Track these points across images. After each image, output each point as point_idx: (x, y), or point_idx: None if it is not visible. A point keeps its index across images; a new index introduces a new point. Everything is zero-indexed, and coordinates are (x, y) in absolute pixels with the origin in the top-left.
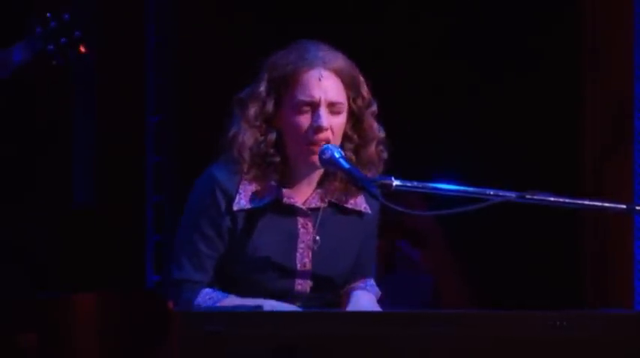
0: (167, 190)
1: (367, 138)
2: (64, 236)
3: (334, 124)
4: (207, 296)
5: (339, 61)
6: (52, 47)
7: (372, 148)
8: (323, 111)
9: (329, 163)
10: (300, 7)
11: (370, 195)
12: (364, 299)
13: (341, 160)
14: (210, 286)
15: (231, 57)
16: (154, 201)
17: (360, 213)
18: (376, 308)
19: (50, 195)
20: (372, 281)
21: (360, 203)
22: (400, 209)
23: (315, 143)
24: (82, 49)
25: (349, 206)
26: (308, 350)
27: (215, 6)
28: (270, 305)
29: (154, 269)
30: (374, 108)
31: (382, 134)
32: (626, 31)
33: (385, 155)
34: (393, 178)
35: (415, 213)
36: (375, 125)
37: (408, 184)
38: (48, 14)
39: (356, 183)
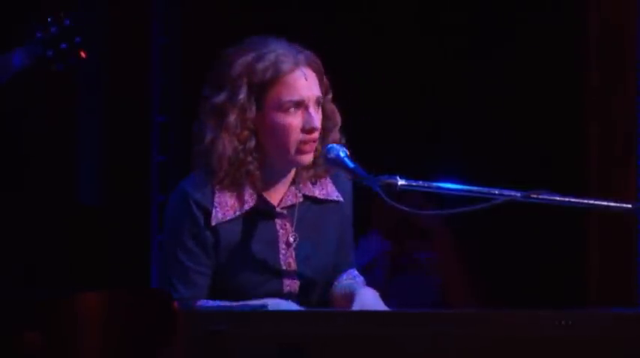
0: (172, 190)
1: (331, 123)
2: (68, 235)
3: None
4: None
5: (310, 56)
6: (51, 52)
7: (336, 132)
8: (312, 110)
9: (334, 163)
10: (306, 8)
11: (376, 193)
12: (368, 296)
13: (346, 159)
14: (208, 298)
15: None
16: (159, 201)
17: (334, 202)
18: (380, 303)
19: (55, 194)
20: (355, 272)
21: (331, 192)
22: (406, 209)
23: (305, 142)
24: (83, 55)
25: (321, 197)
26: (312, 350)
27: (221, 6)
28: (274, 303)
29: (158, 269)
30: (330, 93)
31: (339, 119)
32: (631, 30)
33: (344, 140)
34: (398, 178)
35: (421, 213)
36: (334, 109)
37: (413, 184)
38: (49, 19)
39: (361, 181)
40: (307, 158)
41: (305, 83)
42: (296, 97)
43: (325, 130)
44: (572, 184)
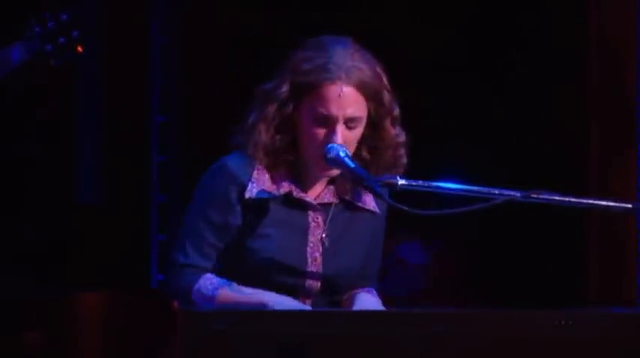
0: (171, 190)
1: (384, 144)
2: (68, 235)
3: (349, 138)
4: (208, 282)
5: (363, 73)
6: (49, 47)
7: (389, 152)
8: (339, 127)
9: (334, 162)
10: (307, 7)
11: (374, 195)
12: (369, 300)
13: (346, 159)
14: (230, 278)
15: (237, 57)
16: (159, 201)
17: (369, 212)
18: (380, 307)
19: (55, 194)
20: (373, 291)
21: (369, 202)
22: (405, 208)
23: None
24: (80, 49)
25: (359, 204)
26: (311, 349)
27: (221, 6)
28: (274, 298)
29: (158, 269)
30: (394, 113)
31: (401, 139)
32: (631, 30)
33: (404, 160)
34: (398, 177)
35: (419, 213)
36: (393, 131)
37: (413, 184)
38: (46, 14)
39: (360, 182)
40: (329, 174)
41: (338, 100)
42: (324, 112)
43: (377, 150)
44: (572, 184)
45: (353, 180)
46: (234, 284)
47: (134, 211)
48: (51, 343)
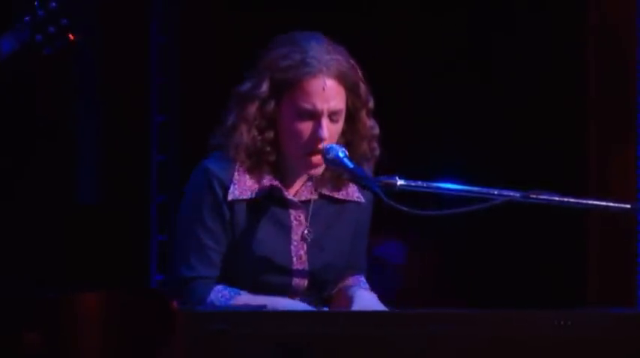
0: (171, 190)
1: (359, 135)
2: (67, 235)
3: (332, 131)
4: (220, 294)
5: (342, 65)
6: (39, 37)
7: (364, 144)
8: (324, 121)
9: (333, 163)
10: (305, 7)
11: (374, 195)
12: (367, 299)
13: (345, 160)
14: (220, 282)
15: (236, 56)
16: (158, 201)
17: (354, 203)
18: (380, 306)
19: (54, 193)
20: (362, 278)
21: (351, 193)
22: (404, 208)
23: (313, 153)
24: (71, 37)
25: (340, 197)
26: (313, 350)
27: (219, 5)
28: (285, 304)
29: (157, 269)
30: (370, 105)
31: (376, 131)
32: (631, 30)
33: (377, 152)
34: (397, 178)
35: (418, 213)
36: (369, 123)
37: (412, 184)
38: (35, 3)
39: (359, 182)
40: (315, 171)
41: (321, 94)
42: (309, 106)
43: (353, 142)
44: (571, 184)
45: (352, 180)
46: (245, 293)
47: (133, 211)
48: (50, 343)
